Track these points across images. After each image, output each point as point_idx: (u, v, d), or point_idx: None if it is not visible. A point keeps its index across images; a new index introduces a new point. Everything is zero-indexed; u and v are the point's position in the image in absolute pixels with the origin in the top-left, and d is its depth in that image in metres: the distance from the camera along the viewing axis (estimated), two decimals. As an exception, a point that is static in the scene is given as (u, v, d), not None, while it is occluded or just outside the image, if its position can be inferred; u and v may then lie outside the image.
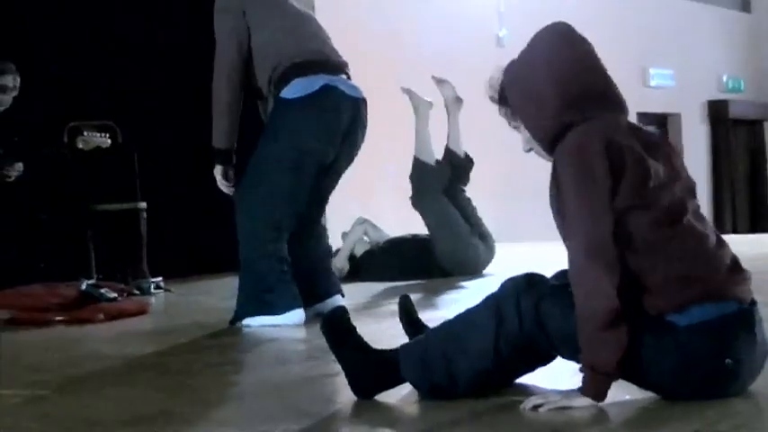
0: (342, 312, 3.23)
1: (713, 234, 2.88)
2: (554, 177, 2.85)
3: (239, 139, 5.27)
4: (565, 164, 2.81)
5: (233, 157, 5.28)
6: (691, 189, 2.91)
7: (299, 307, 5.10)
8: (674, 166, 2.88)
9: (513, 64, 3.02)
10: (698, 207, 2.91)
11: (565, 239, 2.82)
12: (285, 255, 5.14)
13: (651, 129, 3.03)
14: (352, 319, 3.18)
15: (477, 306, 3.01)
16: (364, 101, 5.27)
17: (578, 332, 2.72)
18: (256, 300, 5.10)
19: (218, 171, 5.28)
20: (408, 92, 7.86)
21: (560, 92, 2.87)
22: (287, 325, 5.02)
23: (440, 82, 7.92)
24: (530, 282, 2.94)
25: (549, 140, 2.91)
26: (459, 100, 7.86)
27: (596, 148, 2.76)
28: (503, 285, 2.99)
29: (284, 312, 5.07)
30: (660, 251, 2.76)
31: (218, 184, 5.32)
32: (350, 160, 5.36)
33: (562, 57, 2.92)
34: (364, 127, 5.30)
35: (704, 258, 2.80)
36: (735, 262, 2.87)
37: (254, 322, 5.08)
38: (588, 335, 2.70)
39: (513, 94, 2.99)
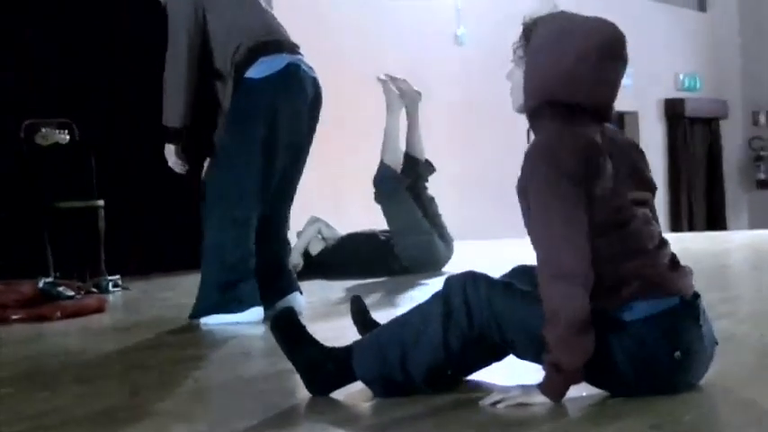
0: (290, 312, 3.23)
1: (656, 237, 2.90)
2: (524, 173, 2.82)
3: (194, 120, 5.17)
4: (537, 165, 2.78)
5: (184, 136, 5.17)
6: (646, 200, 2.92)
7: (258, 305, 5.08)
8: (636, 171, 2.91)
9: (555, 22, 2.90)
10: (649, 215, 2.91)
11: (532, 237, 2.81)
12: (253, 247, 5.10)
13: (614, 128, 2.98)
14: (310, 316, 3.20)
15: (428, 301, 3.02)
16: (319, 80, 5.29)
17: (546, 333, 2.72)
18: (218, 295, 5.06)
19: (170, 151, 5.17)
20: (384, 84, 7.84)
21: (568, 80, 2.81)
22: (246, 323, 5.00)
23: (393, 80, 7.91)
24: (474, 277, 2.94)
25: (528, 107, 2.89)
26: (417, 94, 7.88)
27: (569, 151, 2.76)
28: (447, 282, 2.99)
29: (244, 310, 5.05)
30: (603, 253, 2.76)
31: (171, 164, 5.21)
32: (311, 140, 5.36)
33: (597, 57, 2.83)
34: (321, 105, 5.32)
35: (643, 257, 2.82)
36: (672, 260, 2.90)
37: (213, 320, 5.06)
38: (559, 338, 2.70)
39: (535, 44, 2.88)
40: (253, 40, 5.08)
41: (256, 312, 5.06)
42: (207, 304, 5.10)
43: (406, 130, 7.84)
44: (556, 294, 2.71)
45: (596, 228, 2.76)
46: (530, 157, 2.83)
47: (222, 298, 5.06)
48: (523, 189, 2.83)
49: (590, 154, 2.78)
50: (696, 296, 2.88)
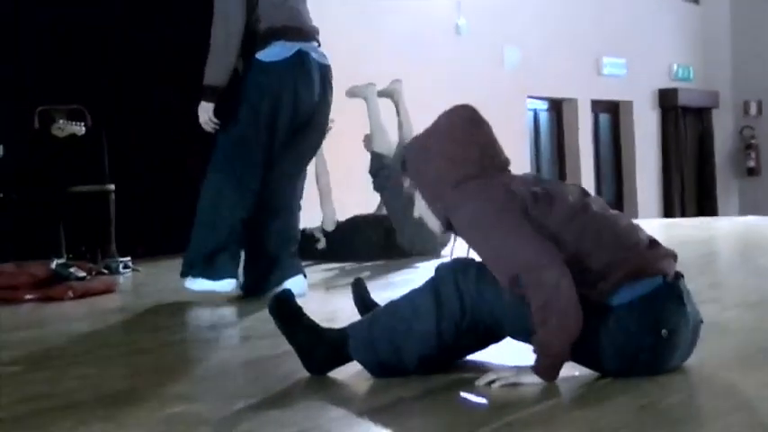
0: (287, 295, 3.31)
1: (624, 219, 3.05)
2: (464, 223, 3.00)
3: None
4: (474, 205, 2.97)
5: (220, 96, 5.24)
6: (584, 191, 3.09)
7: (233, 277, 5.27)
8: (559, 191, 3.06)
9: (415, 139, 3.21)
10: (600, 201, 3.08)
11: (493, 266, 2.95)
12: (245, 217, 5.25)
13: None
14: (313, 297, 3.27)
15: (419, 290, 3.13)
16: (330, 67, 5.43)
17: (535, 318, 2.82)
18: (203, 259, 5.25)
19: (207, 108, 5.23)
20: (350, 91, 8.03)
21: (456, 162, 3.04)
22: (222, 292, 5.21)
23: (366, 87, 8.11)
24: (465, 265, 3.06)
25: (443, 208, 3.06)
26: (397, 82, 8.12)
27: (498, 184, 2.98)
28: (438, 270, 3.12)
29: (221, 279, 5.24)
30: (577, 244, 2.89)
31: (203, 121, 5.26)
32: (324, 125, 5.52)
33: (464, 129, 3.09)
34: (332, 91, 5.46)
35: (620, 241, 2.93)
36: (651, 240, 3.01)
37: (195, 286, 5.27)
38: (543, 324, 2.80)
39: (412, 161, 3.15)
40: (270, 22, 5.20)
41: (229, 284, 5.26)
42: (192, 265, 5.30)
43: (397, 124, 8.04)
44: (535, 286, 2.81)
45: (558, 223, 2.92)
46: (463, 205, 2.99)
47: (205, 262, 5.25)
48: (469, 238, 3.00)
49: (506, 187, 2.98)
50: (678, 276, 2.98)
